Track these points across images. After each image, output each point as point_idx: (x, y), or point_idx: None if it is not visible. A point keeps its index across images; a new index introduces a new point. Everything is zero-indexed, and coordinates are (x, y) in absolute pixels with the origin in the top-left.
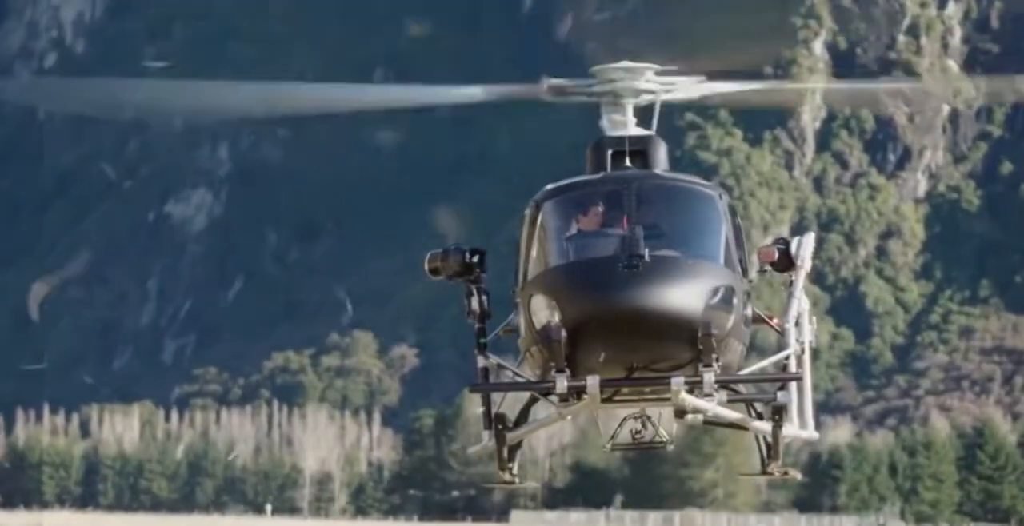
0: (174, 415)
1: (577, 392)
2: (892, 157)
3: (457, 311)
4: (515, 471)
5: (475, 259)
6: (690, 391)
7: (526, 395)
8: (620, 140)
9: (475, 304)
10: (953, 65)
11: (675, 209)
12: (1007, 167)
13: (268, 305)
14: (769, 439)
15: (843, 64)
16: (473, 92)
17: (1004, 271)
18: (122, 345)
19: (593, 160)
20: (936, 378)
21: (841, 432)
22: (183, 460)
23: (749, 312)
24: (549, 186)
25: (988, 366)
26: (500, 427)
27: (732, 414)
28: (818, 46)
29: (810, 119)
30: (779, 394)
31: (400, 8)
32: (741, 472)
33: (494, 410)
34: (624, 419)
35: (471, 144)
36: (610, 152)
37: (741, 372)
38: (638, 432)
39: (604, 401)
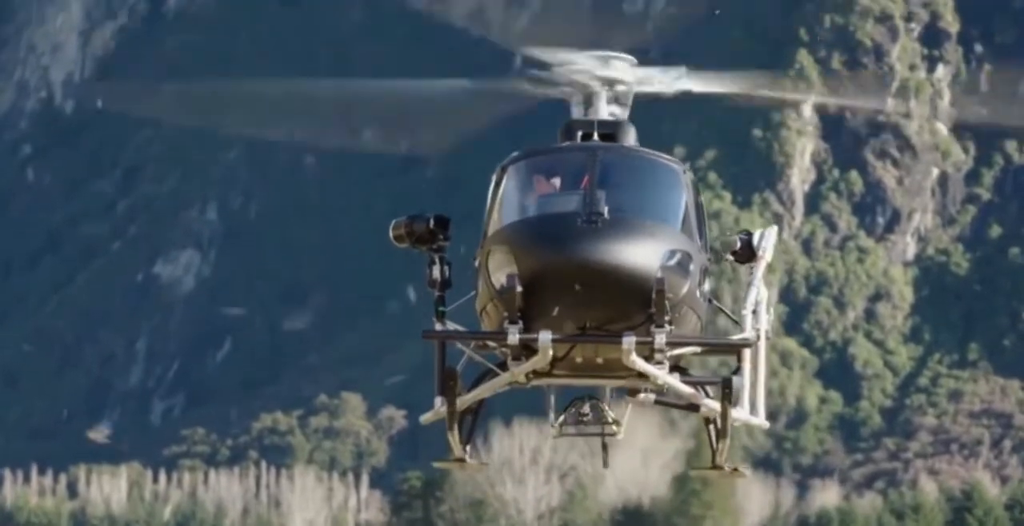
0: (162, 476)
1: (527, 351)
2: (881, 220)
3: None
4: (467, 450)
5: (439, 226)
6: (645, 358)
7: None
8: (589, 123)
9: (436, 273)
10: (942, 128)
11: (637, 176)
12: (996, 230)
13: (256, 366)
14: (718, 419)
15: (832, 127)
16: (456, 84)
17: (993, 334)
18: (110, 406)
19: (562, 140)
20: (925, 441)
21: (829, 495)
22: (171, 521)
23: (707, 288)
24: (515, 152)
25: (977, 429)
26: (451, 383)
27: (683, 387)
28: (807, 109)
29: (799, 181)
30: (734, 378)
31: (388, 73)
32: (693, 467)
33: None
34: (572, 401)
35: (458, 203)
36: (580, 133)
37: (685, 336)
38: (585, 415)
39: (555, 362)
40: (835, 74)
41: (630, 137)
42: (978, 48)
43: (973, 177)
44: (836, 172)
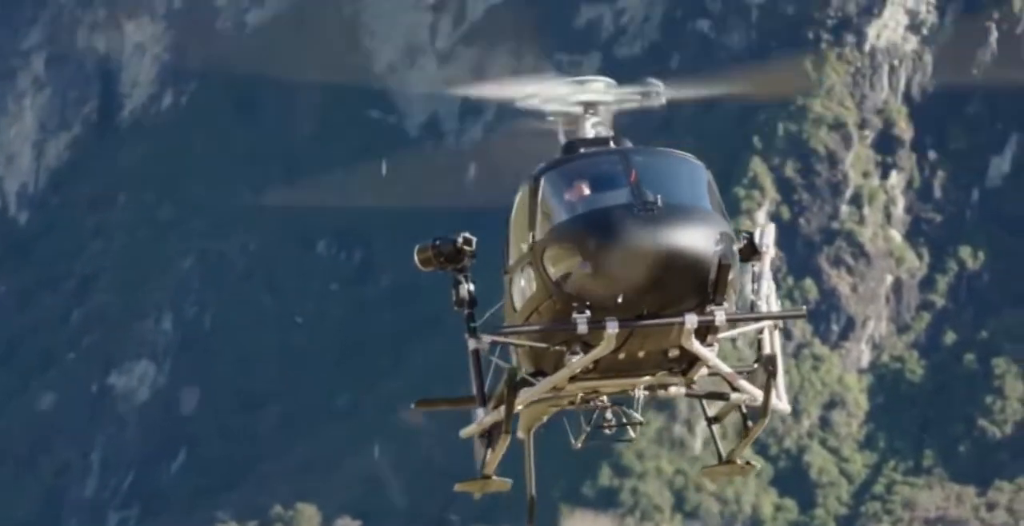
0: None
1: (586, 343)
2: (835, 328)
3: (402, 484)
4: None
5: (466, 246)
6: (700, 337)
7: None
8: (592, 140)
9: (463, 291)
10: (896, 235)
11: (672, 169)
12: (951, 337)
13: (211, 476)
14: (757, 402)
15: (786, 234)
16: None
17: (948, 441)
18: (65, 517)
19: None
20: None
21: None
22: None
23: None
24: (542, 164)
25: None
26: (518, 380)
27: (727, 369)
28: (761, 216)
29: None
30: (757, 365)
31: (341, 184)
32: (704, 468)
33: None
34: (595, 412)
35: (415, 311)
36: (583, 150)
37: (739, 313)
38: (608, 420)
39: (611, 354)
40: (788, 182)
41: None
42: (932, 155)
43: (928, 284)
44: (790, 280)
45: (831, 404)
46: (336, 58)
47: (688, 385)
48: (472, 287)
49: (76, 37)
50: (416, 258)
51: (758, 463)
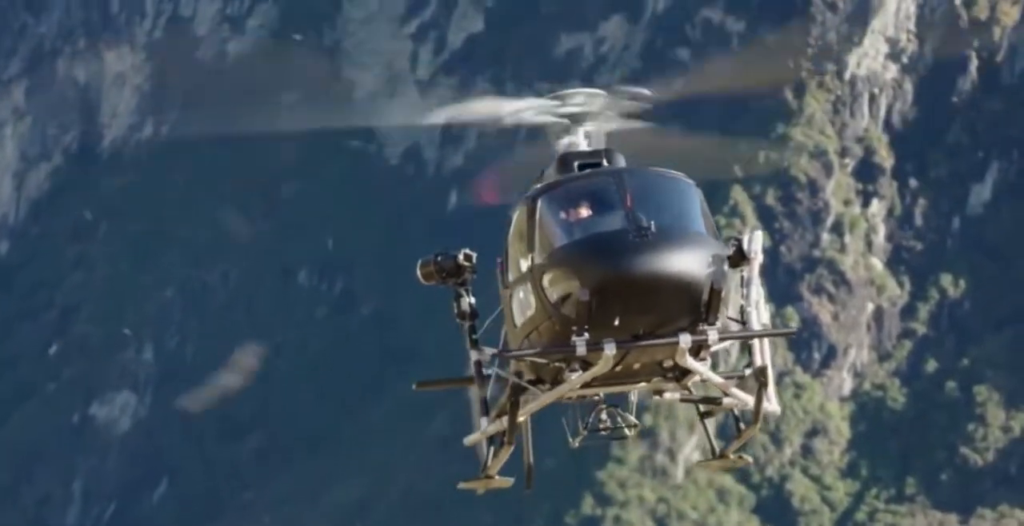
0: None
1: (586, 362)
2: (817, 356)
3: (382, 517)
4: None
5: (467, 262)
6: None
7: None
8: (585, 153)
9: (465, 305)
10: (877, 263)
11: (665, 192)
12: (932, 365)
13: (193, 506)
14: (749, 407)
15: (767, 263)
16: (437, 116)
17: (930, 469)
18: None
19: (560, 171)
20: None
21: None
22: None
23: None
24: (538, 185)
25: None
26: (516, 399)
27: (720, 379)
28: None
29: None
30: (747, 370)
31: (322, 213)
32: (698, 462)
33: (485, 389)
34: (590, 411)
35: (395, 340)
36: (577, 163)
37: (731, 332)
38: (603, 421)
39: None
40: (769, 210)
41: (622, 161)
42: (912, 183)
43: (909, 312)
44: (772, 308)
45: (813, 432)
46: (317, 87)
47: (682, 390)
48: (473, 300)
49: (56, 67)
50: (419, 272)
51: (750, 458)
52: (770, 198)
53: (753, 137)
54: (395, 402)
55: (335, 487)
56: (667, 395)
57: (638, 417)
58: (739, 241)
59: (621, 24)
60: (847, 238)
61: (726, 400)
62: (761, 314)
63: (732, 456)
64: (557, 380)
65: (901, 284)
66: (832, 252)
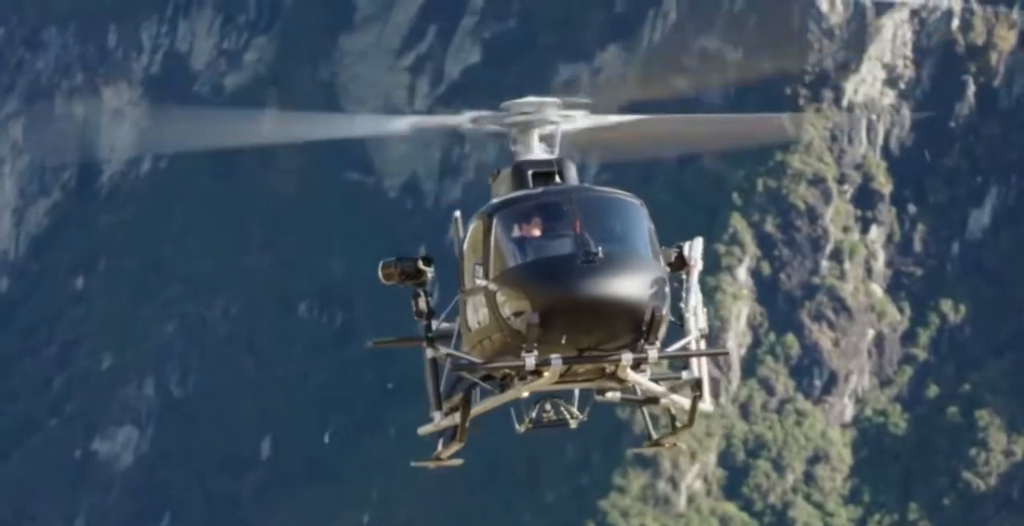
0: None
1: (535, 372)
2: (818, 382)
3: None
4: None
5: (426, 264)
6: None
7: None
8: (538, 162)
9: (422, 304)
10: (877, 289)
11: (612, 214)
12: (933, 390)
13: None
14: (685, 409)
15: (767, 290)
16: (400, 124)
17: (932, 494)
18: None
19: (514, 179)
20: None
21: None
22: None
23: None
24: (495, 200)
25: None
26: (467, 399)
27: (657, 388)
28: (742, 273)
29: (735, 345)
30: (684, 372)
31: (322, 246)
32: (632, 447)
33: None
34: (536, 402)
35: (394, 374)
36: (531, 172)
37: (669, 350)
38: (547, 412)
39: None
40: (768, 238)
41: (574, 172)
42: (911, 208)
43: (909, 338)
44: (772, 335)
45: (815, 459)
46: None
47: (624, 390)
48: (430, 300)
49: (54, 103)
50: (380, 273)
51: (683, 446)
52: (769, 225)
53: (751, 165)
54: (396, 435)
55: (336, 520)
56: (609, 395)
57: (639, 446)
58: (681, 248)
59: (618, 53)
60: (847, 265)
61: (663, 400)
62: (699, 319)
63: (667, 445)
64: (506, 381)
65: (901, 310)
66: (832, 279)
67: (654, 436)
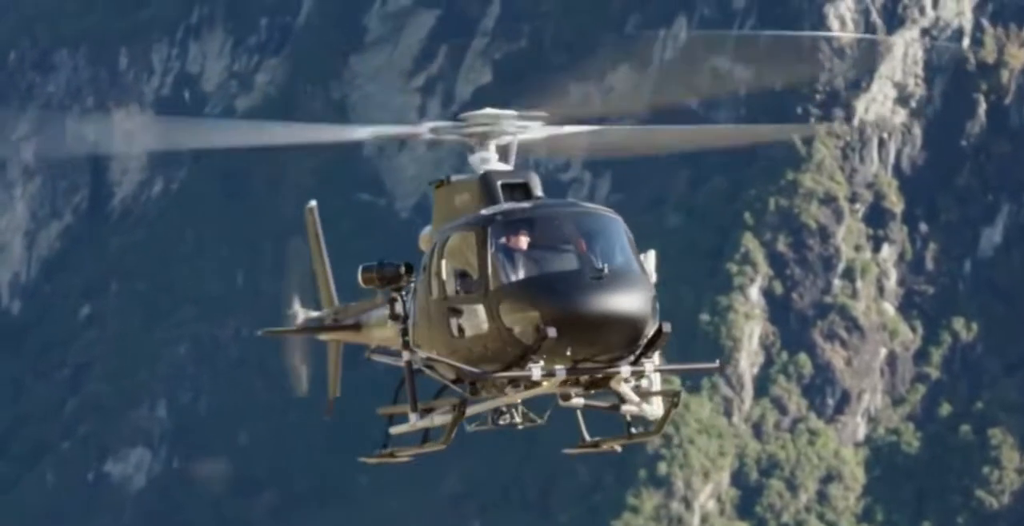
0: None
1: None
2: (831, 401)
3: None
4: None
5: (406, 271)
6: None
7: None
8: (507, 173)
9: (399, 308)
10: (889, 308)
11: (602, 230)
12: (946, 409)
13: None
14: (651, 418)
15: (779, 309)
16: (360, 133)
17: (946, 513)
18: None
19: (482, 190)
20: None
21: None
22: None
23: None
24: (484, 212)
25: None
26: (463, 407)
27: (635, 397)
28: (754, 292)
29: (748, 365)
30: (643, 381)
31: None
32: (567, 447)
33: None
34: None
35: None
36: (499, 183)
37: (661, 365)
38: (503, 413)
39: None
40: (780, 257)
41: (539, 183)
42: (923, 227)
43: (922, 356)
44: (784, 355)
45: (828, 478)
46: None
47: (586, 396)
48: (406, 303)
49: (65, 126)
50: (360, 277)
51: (619, 448)
52: (781, 245)
53: (763, 184)
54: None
55: None
56: (573, 401)
57: (652, 466)
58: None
59: (629, 74)
60: (859, 284)
61: (624, 407)
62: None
63: (605, 447)
64: (476, 386)
65: (913, 328)
66: (844, 298)
67: (587, 439)
